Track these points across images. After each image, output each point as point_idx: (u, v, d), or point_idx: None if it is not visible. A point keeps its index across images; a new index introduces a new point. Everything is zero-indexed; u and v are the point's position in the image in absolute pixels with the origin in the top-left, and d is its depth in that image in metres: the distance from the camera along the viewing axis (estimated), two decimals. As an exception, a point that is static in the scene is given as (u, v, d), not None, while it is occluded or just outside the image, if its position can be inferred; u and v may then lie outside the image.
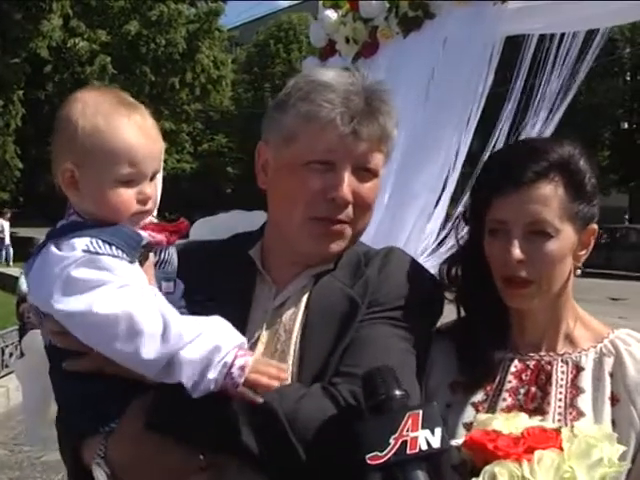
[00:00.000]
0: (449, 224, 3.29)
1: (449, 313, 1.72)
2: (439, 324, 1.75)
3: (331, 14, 3.57)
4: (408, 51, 3.30)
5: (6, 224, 18.60)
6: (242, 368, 1.31)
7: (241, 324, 1.45)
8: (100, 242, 1.39)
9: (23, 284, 9.72)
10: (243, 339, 1.38)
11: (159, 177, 1.55)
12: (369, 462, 1.19)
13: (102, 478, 1.42)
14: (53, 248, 1.40)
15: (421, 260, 2.99)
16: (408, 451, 1.18)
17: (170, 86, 29.61)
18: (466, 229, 1.72)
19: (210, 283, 1.55)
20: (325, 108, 1.48)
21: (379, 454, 1.19)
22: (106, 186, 1.43)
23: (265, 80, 41.51)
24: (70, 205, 1.50)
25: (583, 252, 1.61)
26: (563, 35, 3.38)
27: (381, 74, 3.40)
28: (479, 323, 1.65)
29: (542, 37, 3.44)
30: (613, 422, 1.52)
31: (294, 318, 1.54)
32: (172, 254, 1.56)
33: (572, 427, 1.38)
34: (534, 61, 3.54)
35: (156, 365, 1.31)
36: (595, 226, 1.61)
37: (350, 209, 1.54)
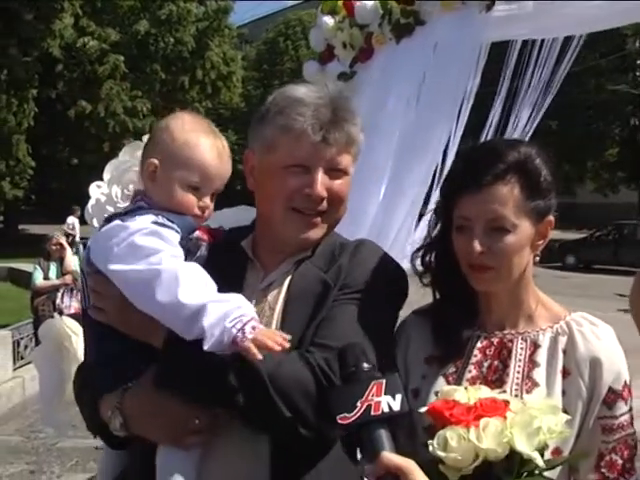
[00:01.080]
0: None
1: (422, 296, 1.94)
2: (417, 307, 1.97)
3: (328, 20, 3.73)
4: (401, 56, 3.45)
5: (76, 221, 18.94)
6: (254, 327, 1.54)
7: None
8: (163, 218, 1.71)
9: (37, 279, 9.94)
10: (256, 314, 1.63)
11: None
12: (339, 421, 1.42)
13: (116, 425, 1.70)
14: (119, 222, 1.71)
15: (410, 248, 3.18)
16: (372, 412, 1.41)
17: (180, 84, 29.61)
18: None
19: (206, 268, 1.76)
20: (298, 121, 1.73)
21: (347, 415, 1.42)
22: (179, 186, 1.79)
23: (274, 77, 41.40)
24: (138, 193, 1.86)
25: (541, 242, 1.79)
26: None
27: (376, 77, 3.58)
28: (451, 305, 1.84)
29: (525, 40, 3.61)
30: (563, 392, 1.71)
31: (277, 298, 1.79)
32: (204, 251, 1.84)
33: (522, 399, 1.58)
34: (518, 63, 3.71)
35: (188, 310, 1.55)
36: (551, 218, 1.77)
37: (324, 203, 1.79)
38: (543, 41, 3.66)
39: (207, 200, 1.82)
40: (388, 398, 1.43)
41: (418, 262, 1.94)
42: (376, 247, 1.94)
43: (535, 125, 3.78)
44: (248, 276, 1.84)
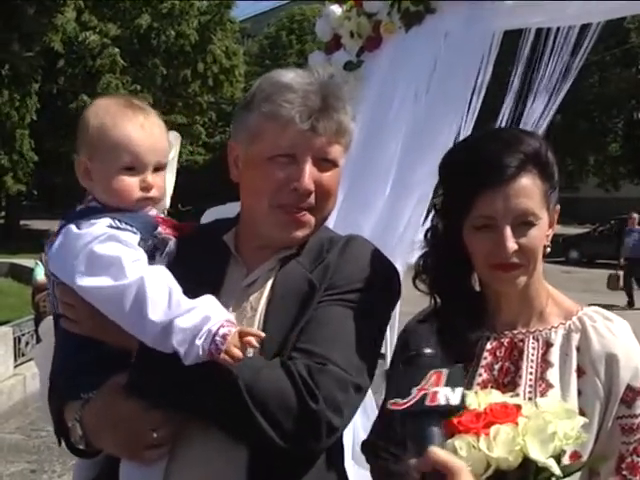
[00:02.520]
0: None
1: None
2: (417, 313, 1.88)
3: (336, 9, 3.64)
4: (410, 45, 3.36)
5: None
6: (224, 336, 1.45)
7: None
8: (119, 221, 1.60)
9: (38, 274, 9.88)
10: (230, 315, 1.55)
11: (169, 173, 1.71)
12: (390, 407, 1.32)
13: (76, 437, 1.63)
14: (74, 228, 1.59)
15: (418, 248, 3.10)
16: (427, 402, 1.29)
17: (182, 78, 29.60)
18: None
19: (185, 264, 1.69)
20: (285, 107, 1.62)
21: (399, 401, 1.31)
22: (112, 174, 1.65)
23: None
24: (89, 193, 1.71)
25: (550, 231, 1.71)
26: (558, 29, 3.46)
27: (384, 67, 3.49)
28: (457, 308, 1.75)
29: (539, 29, 3.52)
30: (579, 392, 1.61)
31: (259, 297, 1.68)
32: (172, 246, 1.73)
33: (536, 403, 1.47)
34: (532, 53, 3.63)
35: (155, 330, 1.47)
36: (558, 206, 1.72)
37: (312, 197, 1.68)
38: (558, 31, 3.57)
39: (148, 177, 1.67)
40: (447, 390, 1.31)
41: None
42: (367, 243, 1.82)
43: (549, 119, 3.70)
44: (230, 272, 1.73)
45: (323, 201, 1.71)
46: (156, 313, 1.46)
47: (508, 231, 1.61)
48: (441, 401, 1.30)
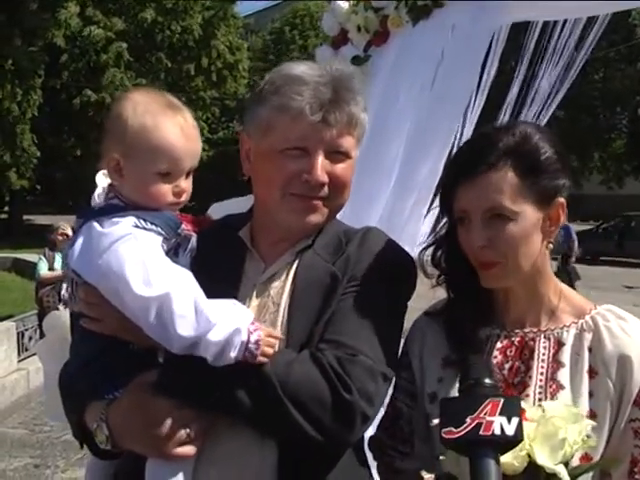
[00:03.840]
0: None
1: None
2: (428, 307, 1.86)
3: (343, 3, 3.62)
4: (417, 39, 3.34)
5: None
6: (257, 342, 1.46)
7: (231, 297, 1.60)
8: (144, 221, 1.56)
9: (42, 269, 9.88)
10: (252, 314, 1.53)
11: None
12: (443, 435, 1.30)
13: (102, 438, 1.58)
14: (97, 226, 1.55)
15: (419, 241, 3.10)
16: (481, 432, 1.28)
17: (186, 73, 29.58)
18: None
19: (202, 260, 1.68)
20: (295, 100, 1.62)
21: (453, 429, 1.29)
22: (147, 178, 1.61)
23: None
24: (110, 190, 1.67)
25: (553, 227, 1.66)
26: (564, 25, 3.44)
27: (391, 61, 3.47)
28: (465, 305, 1.72)
29: (544, 27, 3.51)
30: (591, 394, 1.58)
31: (281, 292, 1.67)
32: (194, 243, 1.71)
33: (542, 406, 1.46)
34: (536, 49, 3.61)
35: (183, 343, 1.45)
36: (562, 199, 1.64)
37: (326, 188, 1.68)
38: (563, 27, 3.55)
39: (181, 183, 1.65)
40: (502, 419, 1.29)
41: (427, 259, 1.82)
42: (383, 235, 1.82)
43: (549, 113, 3.68)
44: (247, 268, 1.73)
45: (337, 192, 1.71)
46: (184, 329, 1.44)
47: (475, 225, 1.60)
48: (496, 431, 1.28)
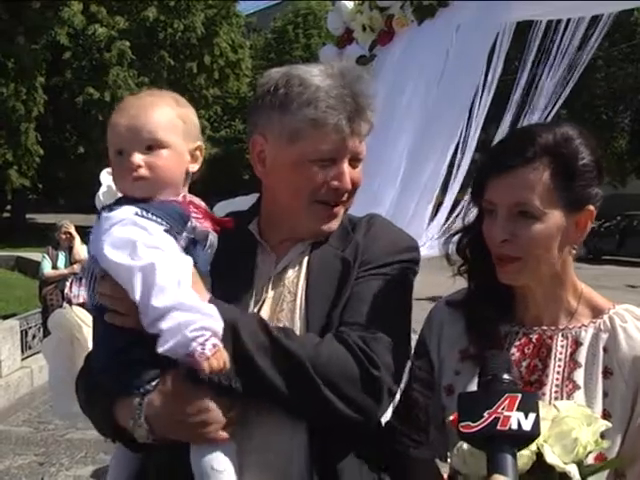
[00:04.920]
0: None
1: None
2: (446, 296, 1.88)
3: (348, 3, 3.64)
4: (422, 38, 3.36)
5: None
6: (214, 345, 1.49)
7: (247, 290, 1.73)
8: (146, 212, 1.62)
9: (45, 268, 9.90)
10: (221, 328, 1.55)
11: (170, 152, 1.69)
12: (461, 430, 1.32)
13: (142, 432, 1.59)
14: (105, 212, 1.64)
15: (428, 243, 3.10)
16: (498, 427, 1.29)
17: (188, 71, 29.55)
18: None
19: (218, 258, 1.72)
20: (330, 114, 1.67)
21: (471, 424, 1.31)
22: (112, 160, 1.71)
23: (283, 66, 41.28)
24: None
25: (578, 234, 1.65)
26: (567, 25, 3.45)
27: (396, 60, 3.48)
28: (486, 298, 1.72)
29: (547, 28, 3.52)
30: (605, 394, 1.58)
31: (296, 282, 1.75)
32: (214, 240, 1.73)
33: (555, 406, 1.46)
34: (540, 50, 3.62)
35: (155, 313, 1.49)
36: (591, 207, 1.63)
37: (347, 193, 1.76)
38: (567, 27, 3.56)
39: (134, 158, 1.65)
40: (519, 415, 1.30)
41: (452, 248, 1.82)
42: (387, 221, 1.93)
43: (553, 113, 3.69)
44: (259, 261, 1.79)
45: (352, 194, 1.80)
46: (159, 300, 1.48)
47: (501, 217, 1.60)
48: (513, 426, 1.29)
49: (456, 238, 1.81)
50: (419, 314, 1.86)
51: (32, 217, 32.71)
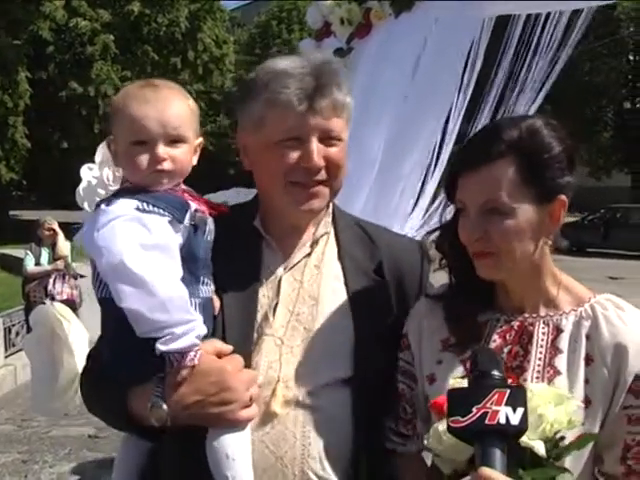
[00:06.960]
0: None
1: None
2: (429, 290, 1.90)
3: (328, -3, 3.64)
4: (400, 31, 3.37)
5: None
6: (196, 352, 1.55)
7: (254, 287, 1.77)
8: (147, 204, 1.63)
9: (28, 264, 9.83)
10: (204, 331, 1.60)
11: (188, 146, 1.73)
12: (450, 424, 1.33)
13: (162, 416, 1.57)
14: (103, 205, 1.65)
15: (409, 234, 3.11)
16: (486, 421, 1.30)
17: (172, 66, 29.45)
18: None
19: (221, 251, 1.74)
20: (283, 93, 1.70)
21: (460, 419, 1.32)
22: (126, 149, 1.69)
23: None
24: (123, 175, 1.77)
25: (552, 225, 1.64)
26: (547, 18, 3.46)
27: (373, 53, 3.49)
28: (465, 290, 1.74)
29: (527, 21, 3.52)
30: (586, 380, 1.59)
31: (316, 286, 1.82)
32: (212, 225, 1.76)
33: (529, 388, 1.46)
34: (519, 42, 3.62)
35: (150, 327, 1.53)
36: (563, 197, 1.63)
37: (323, 172, 1.76)
38: (547, 20, 3.56)
39: (158, 150, 1.68)
40: (508, 409, 1.31)
41: (432, 244, 1.86)
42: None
43: (535, 107, 3.70)
44: (265, 258, 1.82)
45: (333, 174, 1.79)
46: (164, 315, 1.53)
47: (472, 217, 1.61)
48: (501, 420, 1.31)
49: (435, 235, 1.83)
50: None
51: (16, 214, 32.49)
